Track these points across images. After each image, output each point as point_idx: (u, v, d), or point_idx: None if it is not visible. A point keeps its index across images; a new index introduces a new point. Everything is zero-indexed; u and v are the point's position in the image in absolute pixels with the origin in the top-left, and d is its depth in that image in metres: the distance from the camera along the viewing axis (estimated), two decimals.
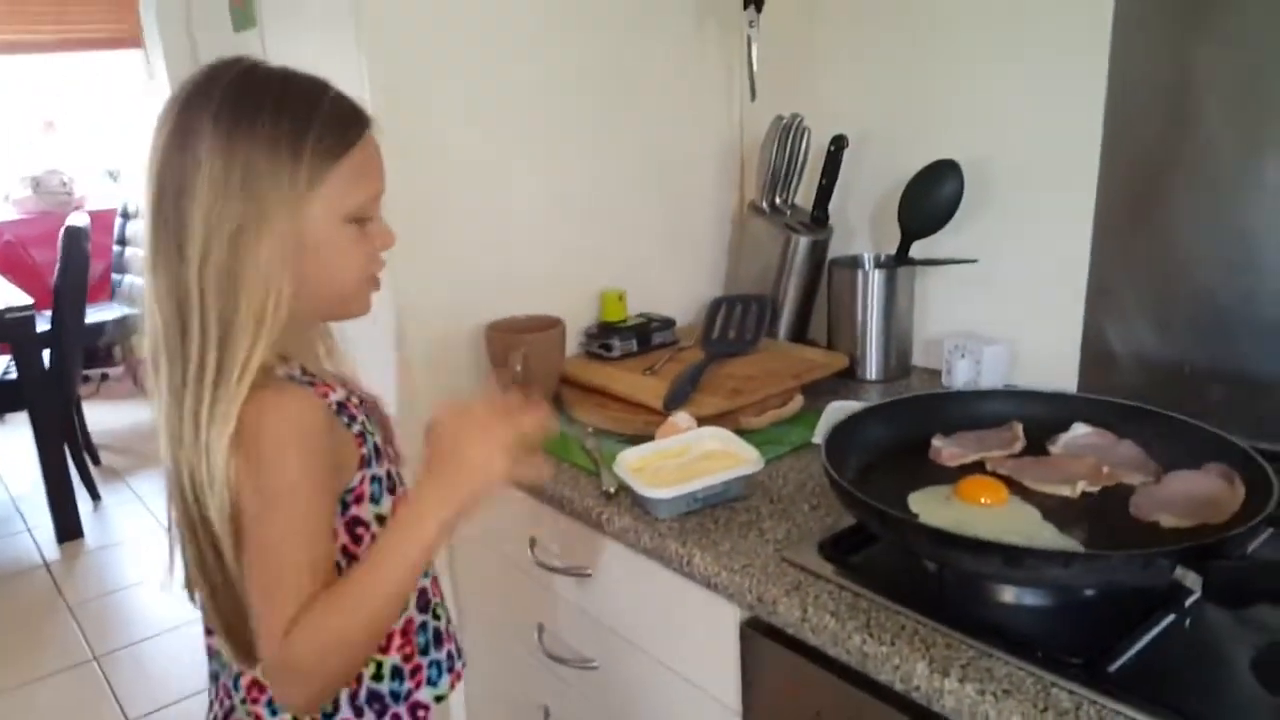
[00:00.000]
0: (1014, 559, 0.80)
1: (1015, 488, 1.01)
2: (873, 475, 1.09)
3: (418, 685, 0.99)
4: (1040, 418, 1.14)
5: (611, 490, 1.20)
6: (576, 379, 1.55)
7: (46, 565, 3.17)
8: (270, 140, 0.79)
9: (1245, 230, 1.21)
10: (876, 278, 1.54)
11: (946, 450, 1.09)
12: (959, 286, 1.57)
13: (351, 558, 0.89)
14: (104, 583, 3.06)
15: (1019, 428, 1.12)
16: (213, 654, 0.97)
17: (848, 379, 1.59)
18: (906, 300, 1.57)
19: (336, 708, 0.93)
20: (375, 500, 0.91)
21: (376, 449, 0.92)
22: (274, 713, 0.92)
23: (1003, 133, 1.45)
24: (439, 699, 1.01)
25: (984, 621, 0.86)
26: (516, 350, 1.41)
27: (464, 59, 1.47)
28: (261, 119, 0.79)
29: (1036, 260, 1.45)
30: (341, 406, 0.89)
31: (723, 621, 1.05)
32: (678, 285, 1.80)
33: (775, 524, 1.10)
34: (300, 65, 0.87)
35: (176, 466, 0.82)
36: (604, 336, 1.62)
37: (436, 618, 1.02)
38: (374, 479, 0.91)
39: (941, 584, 0.90)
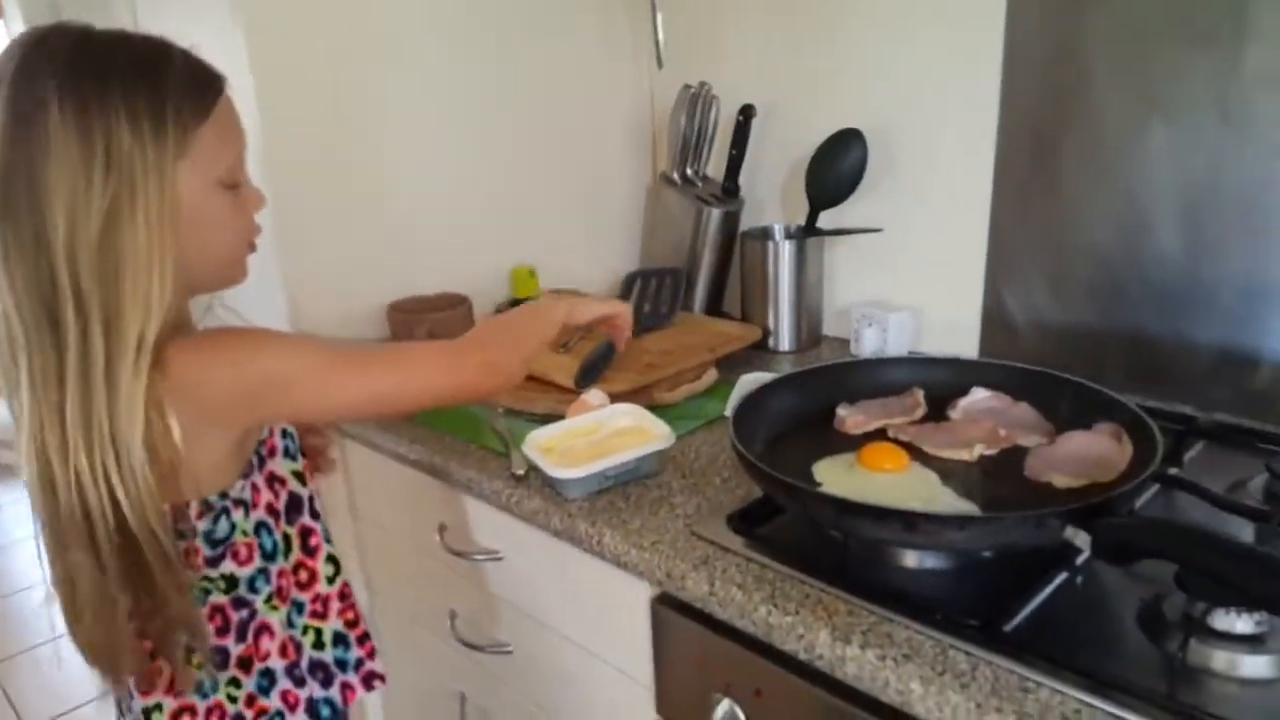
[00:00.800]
0: (911, 524, 0.81)
1: (916, 454, 1.03)
2: (781, 446, 1.09)
3: (370, 654, 0.99)
4: (941, 383, 1.16)
5: (520, 472, 1.18)
6: None
7: None
8: (129, 113, 0.74)
9: (1134, 193, 1.24)
10: (786, 249, 1.55)
11: (851, 418, 1.10)
12: (867, 256, 1.58)
13: (275, 513, 0.91)
14: None
15: (920, 394, 1.14)
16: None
17: (761, 351, 1.59)
18: (816, 271, 1.58)
19: (273, 680, 0.92)
20: (290, 455, 0.94)
21: None
22: None
23: (904, 102, 1.47)
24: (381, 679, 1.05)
25: (886, 587, 0.87)
26: (420, 329, 1.38)
27: (355, 30, 1.43)
28: (112, 91, 0.74)
29: (939, 229, 1.47)
30: None
31: (633, 599, 1.04)
32: (592, 260, 1.79)
33: (686, 499, 1.10)
34: (173, 34, 0.83)
35: (51, 470, 0.76)
36: None
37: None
38: (284, 433, 0.94)
39: (846, 552, 0.91)
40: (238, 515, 0.88)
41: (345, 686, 1.00)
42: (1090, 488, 0.91)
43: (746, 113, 1.57)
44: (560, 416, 1.27)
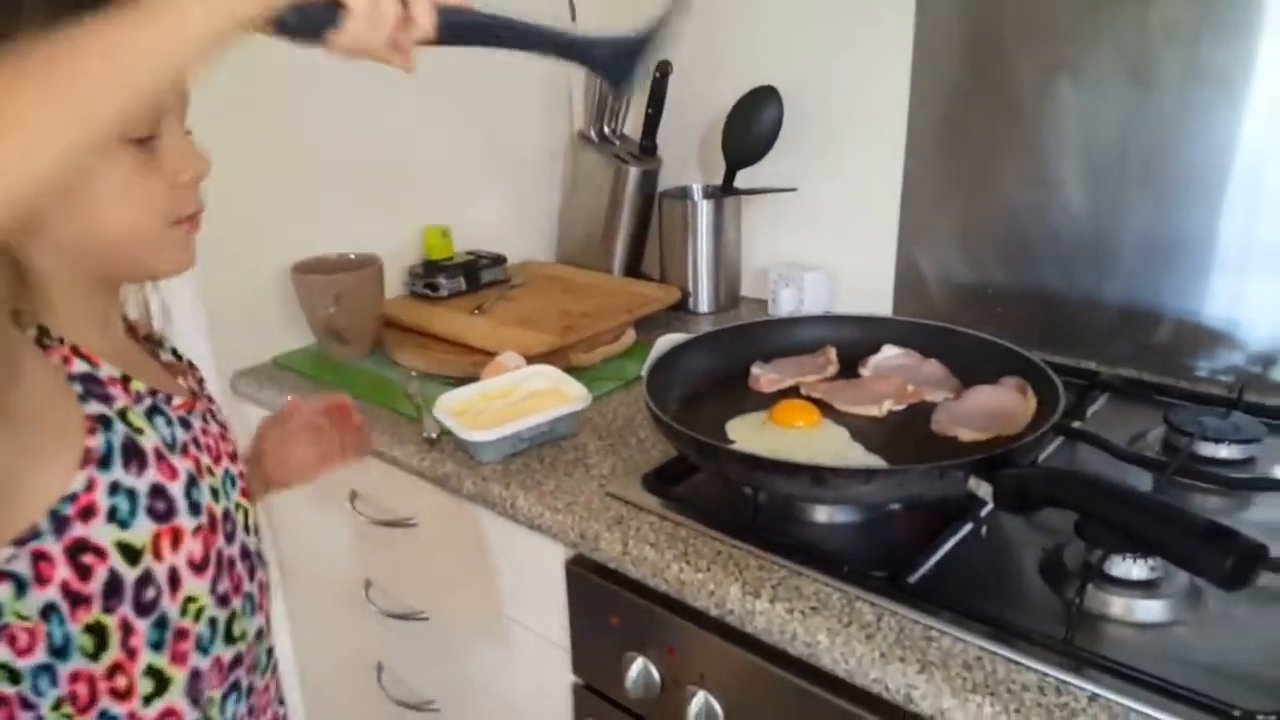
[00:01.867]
0: (819, 479, 0.82)
1: (827, 410, 1.03)
2: (695, 405, 1.09)
3: None
4: (853, 342, 1.17)
5: (434, 436, 1.16)
6: (399, 320, 1.49)
7: None
8: None
9: (1043, 152, 1.26)
10: (704, 209, 1.54)
11: (764, 377, 1.10)
12: (784, 216, 1.58)
13: (73, 596, 0.64)
14: None
15: (832, 352, 1.15)
16: None
17: (680, 312, 1.59)
18: (734, 231, 1.58)
19: None
20: (124, 524, 0.65)
21: (155, 455, 0.67)
22: None
23: (819, 59, 1.46)
24: None
25: (797, 541, 0.87)
26: (328, 292, 1.34)
27: None
28: None
29: (854, 188, 1.48)
30: (89, 380, 0.66)
31: (548, 561, 1.04)
32: (508, 219, 1.75)
33: (602, 460, 1.09)
34: None
35: None
36: (429, 275, 1.56)
37: (248, 693, 0.77)
38: (124, 491, 0.65)
39: (757, 508, 0.91)
40: (2, 592, 0.62)
41: None
42: (995, 440, 0.93)
43: (662, 69, 1.54)
44: (476, 380, 1.25)
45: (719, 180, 1.56)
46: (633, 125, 1.66)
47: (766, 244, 1.63)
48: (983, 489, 0.79)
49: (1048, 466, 0.85)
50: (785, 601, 0.80)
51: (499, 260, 1.63)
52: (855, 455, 0.93)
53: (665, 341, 1.36)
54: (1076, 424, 1.04)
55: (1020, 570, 0.84)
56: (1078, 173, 1.24)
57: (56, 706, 0.66)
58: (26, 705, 0.66)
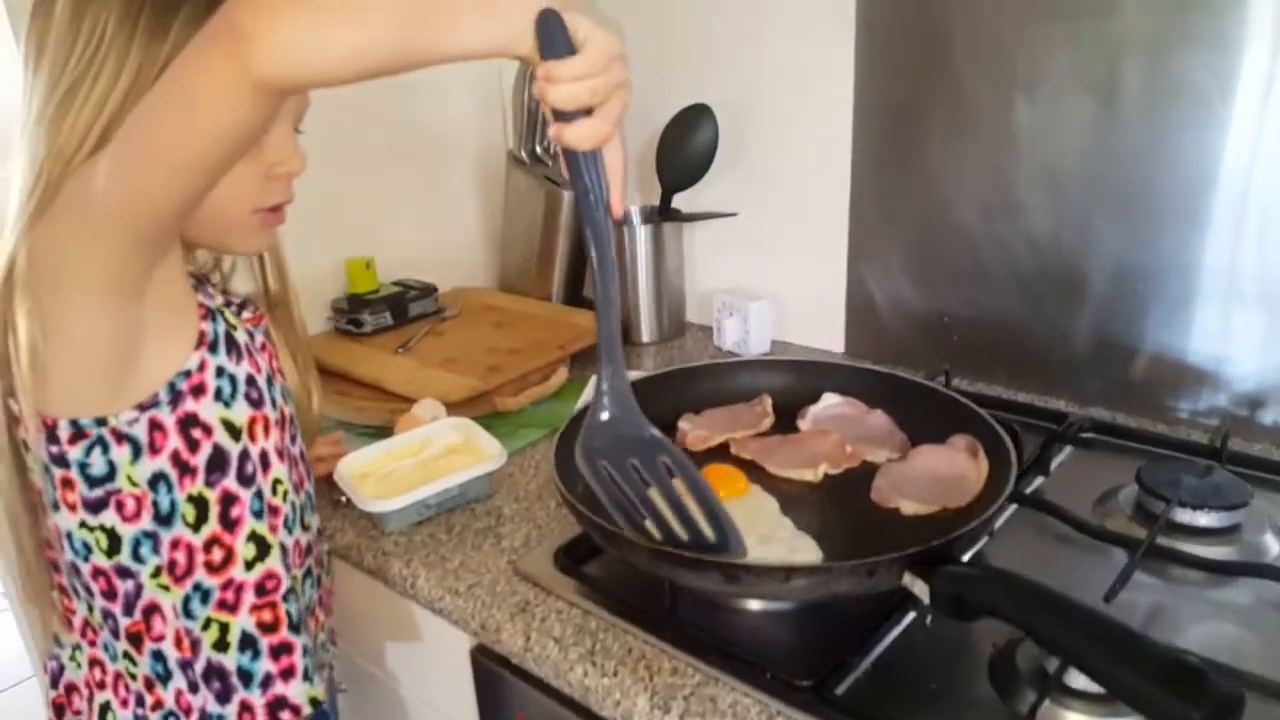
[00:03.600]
0: (732, 576, 0.72)
1: (758, 474, 0.94)
2: None
3: (285, 674, 0.80)
4: (791, 389, 1.07)
5: (343, 499, 1.06)
6: (319, 362, 1.38)
7: None
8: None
9: (998, 172, 1.16)
10: (641, 234, 1.44)
11: (692, 433, 1.00)
12: (729, 240, 1.49)
13: (182, 466, 0.72)
14: None
15: (768, 402, 1.05)
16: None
17: (623, 342, 1.48)
18: (676, 257, 1.48)
19: (168, 669, 0.77)
20: (227, 403, 0.74)
21: (245, 349, 0.77)
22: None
23: (758, 77, 1.36)
24: (315, 704, 0.82)
25: (718, 635, 0.78)
26: None
27: None
28: None
29: (800, 211, 1.38)
30: (198, 279, 0.76)
31: (454, 648, 0.94)
32: (439, 249, 1.64)
33: (516, 527, 0.99)
34: None
35: None
36: (353, 310, 1.45)
37: (297, 594, 0.83)
38: (227, 375, 0.75)
39: (675, 593, 0.82)
40: (119, 454, 0.70)
41: (244, 708, 0.79)
42: (940, 516, 0.83)
43: None
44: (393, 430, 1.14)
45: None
46: None
47: (712, 268, 1.53)
48: (917, 586, 0.69)
49: (988, 570, 0.74)
50: (698, 717, 0.71)
51: (429, 291, 1.53)
52: (784, 534, 0.83)
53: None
54: (1036, 484, 0.95)
55: (966, 673, 0.74)
56: (1039, 195, 1.14)
57: (155, 574, 0.75)
58: (125, 574, 0.74)
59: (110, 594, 0.76)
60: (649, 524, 0.74)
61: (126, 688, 0.80)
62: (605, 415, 0.72)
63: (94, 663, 0.80)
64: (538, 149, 1.54)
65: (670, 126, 1.36)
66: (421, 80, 1.49)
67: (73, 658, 0.81)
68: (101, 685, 0.81)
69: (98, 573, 0.75)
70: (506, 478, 1.09)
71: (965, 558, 0.82)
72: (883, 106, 1.23)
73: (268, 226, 0.79)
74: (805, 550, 0.80)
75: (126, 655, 0.78)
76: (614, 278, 0.66)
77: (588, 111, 0.60)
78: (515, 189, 1.59)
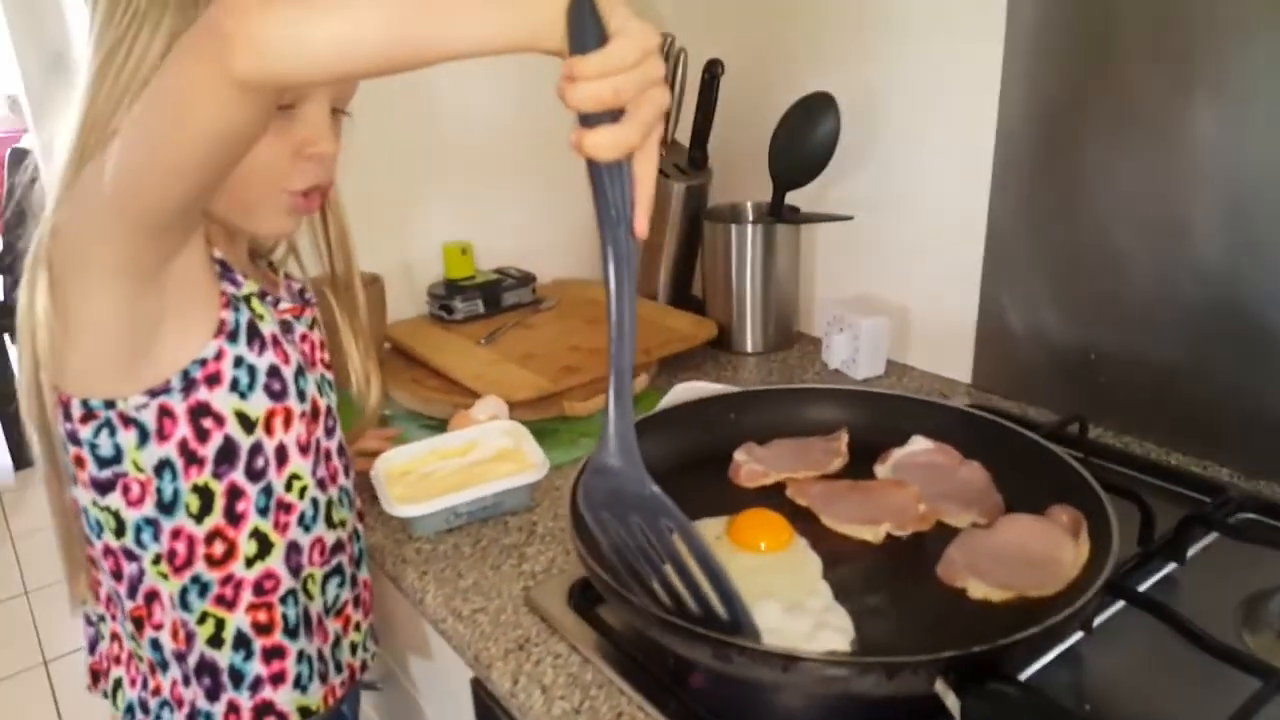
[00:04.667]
0: (724, 656, 0.59)
1: (811, 525, 0.80)
2: None
3: (275, 679, 0.76)
4: (880, 425, 0.92)
5: None
6: (404, 346, 1.34)
7: None
8: None
9: (1167, 189, 0.96)
10: (752, 234, 1.30)
11: (746, 468, 0.87)
12: (851, 248, 1.33)
13: (189, 456, 0.70)
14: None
15: (844, 439, 0.90)
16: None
17: (722, 350, 1.36)
18: (789, 260, 1.34)
19: (165, 658, 0.76)
20: (243, 394, 0.71)
21: (271, 340, 0.74)
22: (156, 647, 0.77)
23: (889, 65, 1.20)
24: (306, 713, 0.79)
25: (721, 712, 0.65)
26: None
27: None
28: None
29: (931, 219, 1.21)
30: (223, 265, 0.72)
31: (459, 672, 0.85)
32: (538, 236, 1.56)
33: (543, 549, 0.90)
34: None
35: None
36: (447, 297, 1.40)
37: (309, 596, 0.79)
38: (246, 366, 0.72)
39: (678, 656, 0.70)
40: (126, 438, 0.69)
41: (231, 708, 0.76)
42: (1015, 605, 0.67)
43: (712, 70, 1.32)
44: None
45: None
46: (687, 133, 1.43)
47: (832, 276, 1.38)
48: (950, 700, 0.55)
49: (1035, 694, 0.58)
50: None
51: (526, 280, 1.46)
52: (815, 605, 0.69)
53: (681, 392, 1.15)
54: (1163, 574, 0.77)
55: None
56: (1215, 216, 0.93)
57: (156, 561, 0.73)
58: (131, 557, 0.73)
59: (118, 574, 0.75)
60: (656, 587, 0.64)
61: (136, 668, 0.79)
62: (609, 462, 0.62)
63: (114, 637, 0.80)
64: None
65: (787, 116, 1.22)
66: (520, 75, 1.43)
67: (98, 629, 0.81)
68: (117, 660, 0.81)
69: (108, 551, 0.75)
70: (552, 490, 1.00)
71: (1044, 661, 0.66)
72: (1032, 105, 1.05)
73: (295, 212, 0.75)
74: (834, 629, 0.66)
75: (133, 637, 0.77)
76: (632, 308, 0.57)
77: (615, 116, 0.51)
78: None
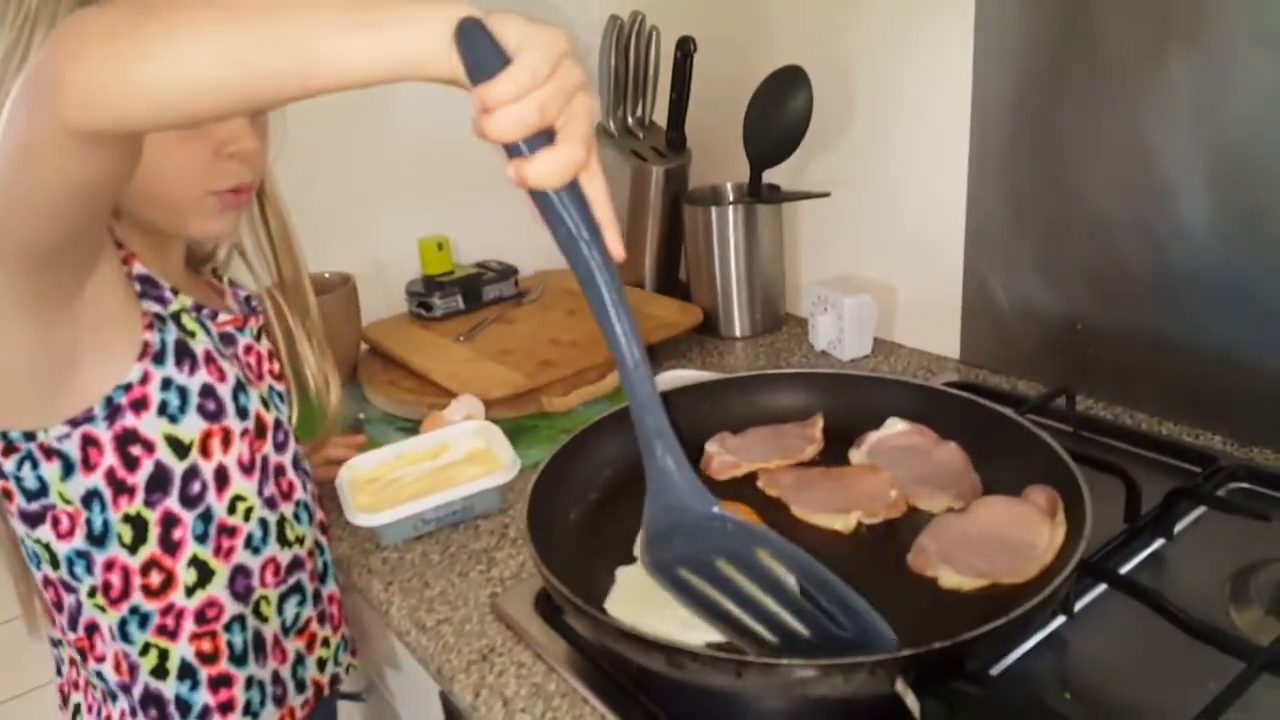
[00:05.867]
0: (676, 663, 0.57)
1: (782, 515, 0.77)
2: (625, 493, 0.84)
3: (224, 708, 0.74)
4: (858, 407, 0.88)
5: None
6: (381, 346, 1.32)
7: None
8: None
9: (1150, 152, 0.92)
10: (733, 215, 1.27)
11: (718, 459, 0.85)
12: (834, 226, 1.30)
13: (118, 485, 0.67)
14: None
15: (819, 425, 0.87)
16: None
17: (710, 336, 1.33)
18: (771, 241, 1.30)
19: (110, 689, 0.74)
20: (174, 418, 0.68)
21: (204, 357, 0.70)
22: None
23: (860, 35, 1.16)
24: None
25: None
26: None
27: None
28: None
29: (910, 192, 1.17)
30: (147, 282, 0.69)
31: (427, 685, 0.83)
32: (517, 230, 1.52)
33: (514, 553, 0.87)
34: None
35: None
36: (425, 294, 1.38)
37: (261, 618, 0.77)
38: (175, 387, 0.68)
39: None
40: (49, 470, 0.66)
41: None
42: (989, 593, 0.64)
43: (684, 48, 1.28)
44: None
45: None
46: (662, 114, 1.40)
47: (818, 256, 1.34)
48: (910, 699, 0.52)
49: (998, 691, 0.54)
50: None
51: (507, 273, 1.43)
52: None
53: (668, 381, 1.11)
54: (1150, 551, 0.73)
55: None
56: (1201, 177, 0.89)
57: (91, 594, 0.70)
58: (68, 589, 0.71)
59: (59, 606, 0.73)
60: (760, 628, 0.57)
61: (92, 695, 0.77)
62: (663, 519, 0.57)
63: (71, 662, 0.78)
64: (629, 119, 1.40)
65: (759, 92, 1.18)
66: None
67: (60, 653, 0.80)
68: (75, 685, 0.79)
69: (48, 582, 0.73)
70: (527, 490, 0.97)
71: (1025, 648, 0.64)
72: (1007, 71, 1.01)
73: (226, 209, 0.72)
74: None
75: (84, 665, 0.75)
76: (635, 330, 0.52)
77: (546, 136, 0.47)
78: (602, 164, 1.45)
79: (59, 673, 0.82)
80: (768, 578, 0.55)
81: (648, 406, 0.53)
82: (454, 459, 0.99)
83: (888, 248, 1.23)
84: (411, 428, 1.12)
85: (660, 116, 1.40)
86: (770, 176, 1.25)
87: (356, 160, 1.36)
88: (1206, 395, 0.93)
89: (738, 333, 1.33)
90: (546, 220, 0.49)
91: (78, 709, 0.78)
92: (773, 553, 0.55)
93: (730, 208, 1.27)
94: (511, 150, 0.47)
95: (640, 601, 0.67)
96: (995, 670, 0.62)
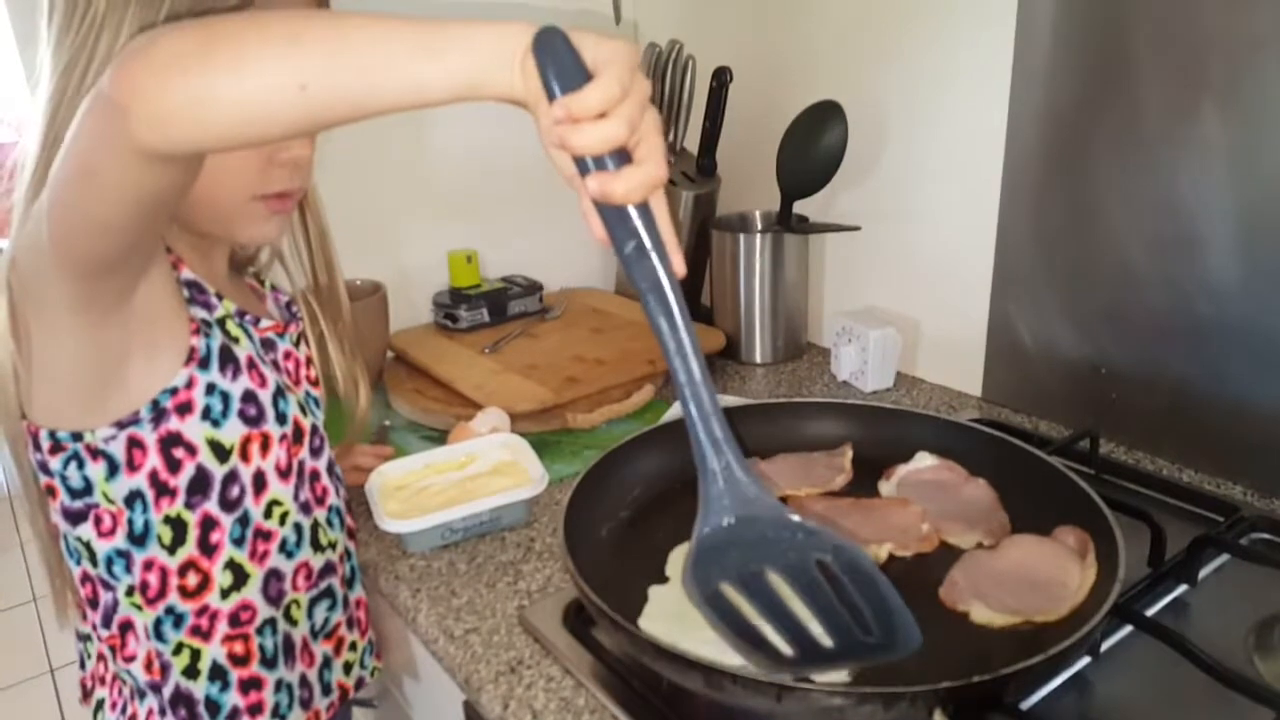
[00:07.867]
0: (715, 684, 0.58)
1: None
2: (654, 514, 0.86)
3: (253, 710, 0.75)
4: (887, 440, 0.90)
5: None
6: (407, 355, 1.33)
7: (10, 498, 3.10)
8: None
9: (1180, 202, 0.93)
10: (761, 243, 1.29)
11: None
12: (861, 258, 1.31)
13: (161, 487, 0.68)
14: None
15: (848, 455, 0.88)
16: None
17: (731, 360, 1.35)
18: (797, 270, 1.32)
19: (140, 686, 0.74)
20: (216, 422, 0.69)
21: (247, 363, 0.71)
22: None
23: (896, 73, 1.18)
24: None
25: None
26: None
27: None
28: None
29: (940, 230, 1.18)
30: (194, 288, 0.70)
31: (450, 695, 0.84)
32: (545, 245, 1.55)
33: (541, 566, 0.88)
34: None
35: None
36: (452, 305, 1.39)
37: (292, 622, 0.78)
38: (219, 392, 0.69)
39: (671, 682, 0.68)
40: (94, 470, 0.67)
41: None
42: (1020, 629, 0.65)
43: (720, 77, 1.30)
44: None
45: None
46: (695, 141, 1.42)
47: (843, 287, 1.36)
48: None
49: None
50: None
51: (533, 289, 1.44)
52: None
53: None
54: (1174, 596, 0.74)
55: None
56: (1230, 229, 0.90)
57: (129, 593, 0.71)
58: (106, 586, 0.72)
59: (94, 602, 0.74)
60: (781, 642, 0.56)
61: (119, 690, 0.77)
62: (721, 532, 0.54)
63: (99, 657, 0.79)
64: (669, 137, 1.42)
65: (794, 125, 1.20)
66: None
67: (86, 647, 0.80)
68: (101, 680, 0.80)
69: (86, 578, 0.74)
70: (552, 504, 0.98)
71: (1051, 687, 0.64)
72: (1042, 117, 1.03)
73: (273, 215, 0.73)
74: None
75: (115, 660, 0.76)
76: (698, 343, 0.51)
77: (622, 152, 0.47)
78: None
79: (82, 666, 0.82)
80: (811, 581, 0.54)
81: (714, 416, 0.53)
82: (481, 470, 1.00)
83: (914, 282, 1.24)
84: (436, 437, 1.13)
85: (692, 143, 1.42)
86: (800, 206, 1.27)
87: (392, 172, 1.38)
88: (1228, 445, 0.94)
89: (759, 359, 1.34)
90: (615, 234, 0.50)
91: (100, 704, 0.79)
92: (833, 554, 0.54)
93: (759, 235, 1.29)
94: (588, 163, 0.47)
95: (674, 620, 0.68)
96: (1025, 705, 0.63)
